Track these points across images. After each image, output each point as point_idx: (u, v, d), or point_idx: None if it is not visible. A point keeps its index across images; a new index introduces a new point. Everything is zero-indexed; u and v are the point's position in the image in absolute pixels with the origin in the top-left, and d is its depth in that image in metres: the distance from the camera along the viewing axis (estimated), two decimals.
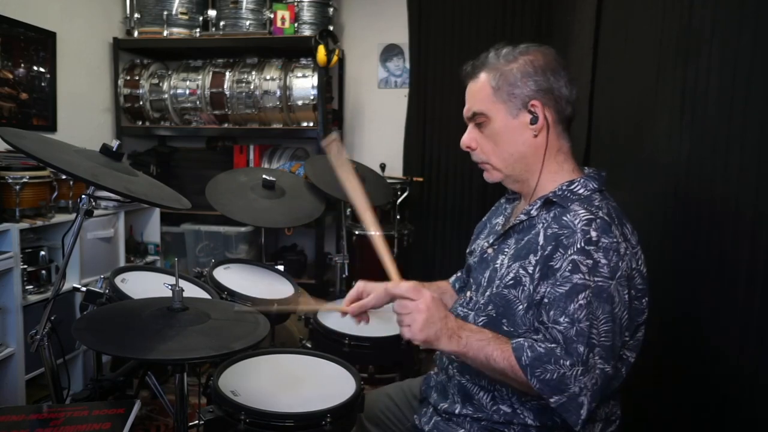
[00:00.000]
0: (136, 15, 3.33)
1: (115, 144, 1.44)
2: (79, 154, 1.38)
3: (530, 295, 1.11)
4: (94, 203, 1.44)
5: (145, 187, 1.45)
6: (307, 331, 1.93)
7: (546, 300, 1.07)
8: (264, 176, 2.12)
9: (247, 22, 3.26)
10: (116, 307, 1.35)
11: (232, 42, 3.28)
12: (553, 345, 1.04)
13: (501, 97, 1.17)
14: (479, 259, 1.30)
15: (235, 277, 1.96)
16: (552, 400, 1.03)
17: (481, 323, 1.18)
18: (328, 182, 2.28)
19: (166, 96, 3.35)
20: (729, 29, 1.25)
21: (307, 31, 3.25)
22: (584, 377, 1.02)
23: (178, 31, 3.32)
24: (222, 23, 3.29)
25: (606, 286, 1.04)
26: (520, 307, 1.12)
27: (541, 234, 1.13)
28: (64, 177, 2.36)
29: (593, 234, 1.05)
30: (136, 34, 3.36)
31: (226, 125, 3.39)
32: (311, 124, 3.25)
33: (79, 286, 1.61)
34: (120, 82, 3.37)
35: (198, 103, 3.32)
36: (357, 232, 3.06)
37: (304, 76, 3.19)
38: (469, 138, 1.24)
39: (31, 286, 2.27)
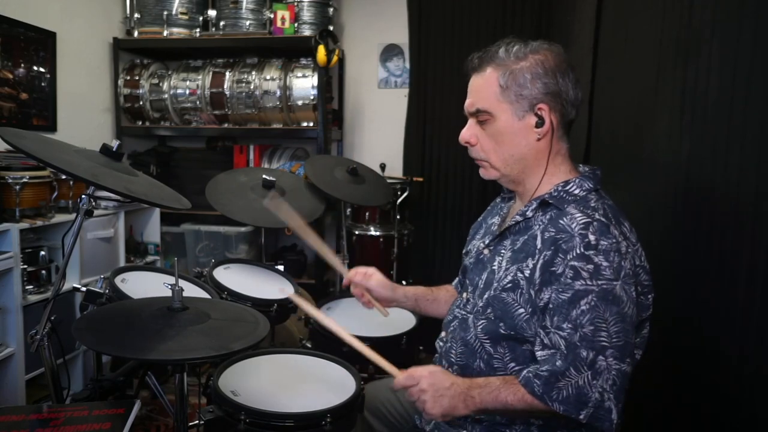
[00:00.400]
0: (136, 15, 3.33)
1: (115, 144, 1.44)
2: (79, 154, 1.38)
3: (531, 300, 1.11)
4: (94, 203, 1.44)
5: (145, 187, 1.45)
6: (307, 331, 1.94)
7: (551, 305, 1.07)
8: (264, 176, 2.12)
9: (247, 22, 3.26)
10: (116, 307, 1.35)
11: (232, 42, 3.28)
12: (552, 351, 1.05)
13: (508, 98, 1.15)
14: (475, 260, 1.30)
15: (235, 277, 1.96)
16: (581, 416, 1.02)
17: (480, 326, 1.19)
18: (328, 182, 2.28)
19: (166, 96, 3.35)
20: (729, 29, 1.25)
21: (307, 31, 3.25)
22: (597, 380, 1.01)
23: (178, 31, 3.32)
24: (222, 23, 3.29)
25: (610, 288, 1.03)
26: (521, 311, 1.12)
27: (539, 237, 1.13)
28: (64, 177, 2.36)
29: (591, 238, 1.05)
30: (136, 34, 3.35)
31: (226, 125, 3.39)
32: (311, 124, 3.25)
33: (79, 286, 1.61)
34: (120, 82, 3.36)
35: (198, 103, 3.32)
36: (357, 232, 3.06)
37: (304, 76, 3.19)
38: (469, 133, 1.22)
39: (31, 286, 2.27)
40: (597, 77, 2.20)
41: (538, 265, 1.10)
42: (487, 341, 1.17)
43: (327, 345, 1.70)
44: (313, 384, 1.42)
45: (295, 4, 3.25)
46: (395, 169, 3.49)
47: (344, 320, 1.86)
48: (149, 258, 3.06)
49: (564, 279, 1.05)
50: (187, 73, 3.35)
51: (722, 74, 1.27)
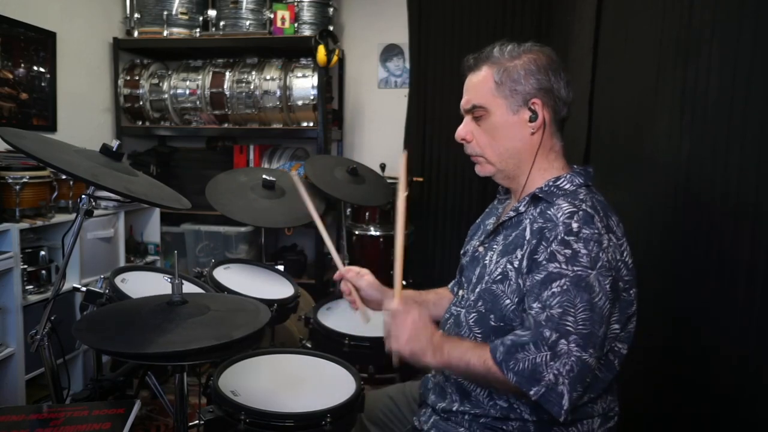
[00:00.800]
0: (136, 15, 3.33)
1: (115, 144, 1.44)
2: (79, 154, 1.38)
3: (519, 290, 1.12)
4: (94, 203, 1.44)
5: (145, 187, 1.45)
6: (307, 331, 1.94)
7: (526, 290, 1.10)
8: (264, 176, 2.12)
9: (247, 22, 3.26)
10: (116, 306, 1.35)
11: (232, 42, 3.28)
12: (525, 333, 1.06)
13: (503, 93, 1.19)
14: (471, 258, 1.32)
15: (235, 277, 1.96)
16: (531, 392, 1.03)
17: (471, 319, 1.20)
18: (328, 182, 2.28)
19: (166, 96, 3.35)
20: (729, 29, 1.25)
21: (307, 31, 3.25)
22: (555, 363, 1.02)
23: (178, 31, 3.32)
24: (222, 23, 3.29)
25: (585, 275, 1.04)
26: (507, 301, 1.14)
27: (528, 229, 1.15)
28: (64, 177, 2.36)
29: (574, 225, 1.07)
30: (136, 34, 3.35)
31: (226, 125, 3.39)
32: (311, 124, 3.25)
33: (79, 286, 1.61)
34: (120, 82, 3.36)
35: (198, 103, 3.32)
36: (357, 232, 3.06)
37: (304, 76, 3.19)
38: (465, 130, 1.25)
39: (31, 286, 2.27)
40: (597, 77, 2.20)
41: (525, 255, 1.12)
42: (479, 335, 1.18)
43: (327, 345, 1.71)
44: (313, 384, 1.42)
45: (295, 4, 3.25)
46: (395, 169, 3.49)
47: (344, 320, 1.86)
48: (149, 258, 3.06)
49: (540, 262, 1.08)
50: (187, 73, 3.35)
51: (722, 74, 1.27)
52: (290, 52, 3.35)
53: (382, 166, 3.22)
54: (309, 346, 1.87)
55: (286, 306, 1.88)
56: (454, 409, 1.21)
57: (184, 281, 1.45)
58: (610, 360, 1.14)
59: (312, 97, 3.17)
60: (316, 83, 3.14)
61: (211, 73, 3.31)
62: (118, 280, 1.64)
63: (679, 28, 1.49)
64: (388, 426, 1.42)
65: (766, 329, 1.10)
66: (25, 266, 2.23)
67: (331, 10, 3.34)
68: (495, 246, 1.23)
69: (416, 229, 3.27)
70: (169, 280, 1.16)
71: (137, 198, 1.33)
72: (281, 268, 2.14)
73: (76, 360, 2.51)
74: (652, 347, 1.26)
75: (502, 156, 1.22)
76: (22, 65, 2.69)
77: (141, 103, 3.37)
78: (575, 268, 1.04)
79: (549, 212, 1.12)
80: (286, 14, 3.22)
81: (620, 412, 1.21)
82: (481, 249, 1.29)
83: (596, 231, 1.07)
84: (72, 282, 2.28)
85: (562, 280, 1.04)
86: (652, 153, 1.65)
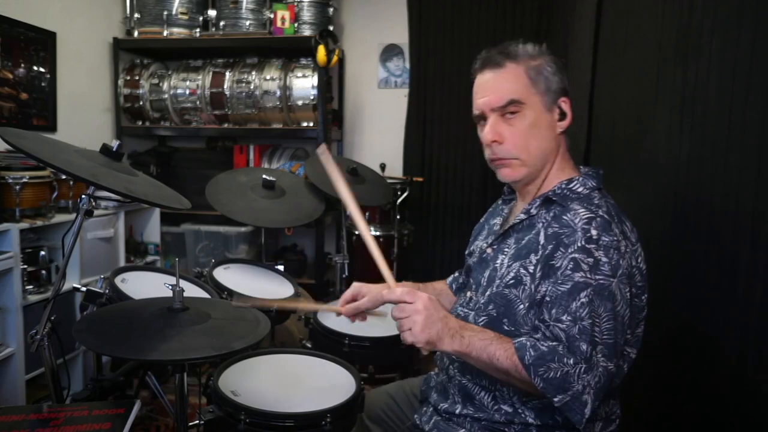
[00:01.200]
0: (136, 15, 3.33)
1: (115, 144, 1.44)
2: (79, 154, 1.38)
3: (531, 295, 1.11)
4: (94, 203, 1.44)
5: (145, 187, 1.45)
6: (307, 331, 1.93)
7: (548, 298, 1.07)
8: (264, 176, 2.12)
9: (247, 22, 3.26)
10: (116, 308, 1.35)
11: (232, 42, 3.28)
12: (554, 343, 1.04)
13: (539, 89, 1.16)
14: (478, 259, 1.30)
15: (235, 277, 1.96)
16: (556, 399, 1.02)
17: (481, 323, 1.18)
18: (328, 182, 2.27)
19: (166, 96, 3.35)
20: (729, 29, 1.25)
21: (307, 31, 3.25)
22: (587, 375, 1.01)
23: (178, 31, 3.32)
24: (222, 23, 3.29)
25: (607, 284, 1.04)
26: (521, 306, 1.12)
27: (542, 233, 1.13)
28: (64, 177, 2.36)
29: (594, 232, 1.05)
30: (136, 34, 3.35)
31: (226, 125, 3.39)
32: (311, 124, 3.25)
33: (79, 286, 1.61)
34: (120, 82, 3.37)
35: (198, 103, 3.32)
36: (357, 232, 3.06)
37: (304, 76, 3.19)
38: (495, 131, 1.17)
39: (31, 286, 2.27)
40: (597, 77, 2.20)
41: (540, 260, 1.10)
42: None
43: (327, 345, 1.70)
44: (313, 384, 1.42)
45: (295, 4, 3.25)
46: (395, 169, 3.49)
47: (344, 320, 1.85)
48: (149, 258, 3.06)
49: (564, 271, 1.05)
50: (187, 73, 3.35)
51: (722, 74, 1.27)
52: (290, 52, 3.35)
53: (382, 166, 3.22)
54: (309, 346, 1.87)
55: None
56: (457, 411, 1.21)
57: (184, 282, 1.45)
58: (620, 365, 1.12)
59: (312, 97, 3.17)
60: (316, 83, 3.14)
61: (211, 73, 3.31)
62: (118, 280, 1.64)
63: (679, 28, 1.49)
64: (388, 424, 1.42)
65: (766, 329, 1.10)
66: (25, 266, 2.23)
67: (331, 10, 3.34)
68: (506, 249, 1.21)
69: (416, 229, 3.27)
70: (170, 287, 1.16)
71: (137, 198, 1.33)
72: (281, 268, 2.13)
73: (76, 360, 2.51)
74: (652, 348, 1.25)
75: (536, 157, 1.18)
76: (22, 65, 2.69)
77: (141, 103, 3.37)
78: (597, 277, 1.03)
79: (565, 217, 1.10)
80: (286, 14, 3.22)
81: (621, 414, 1.21)
82: (489, 251, 1.26)
83: (615, 238, 1.06)
84: (72, 282, 2.28)
85: (588, 290, 1.03)
86: (652, 153, 1.65)
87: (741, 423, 1.18)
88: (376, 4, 3.60)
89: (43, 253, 2.31)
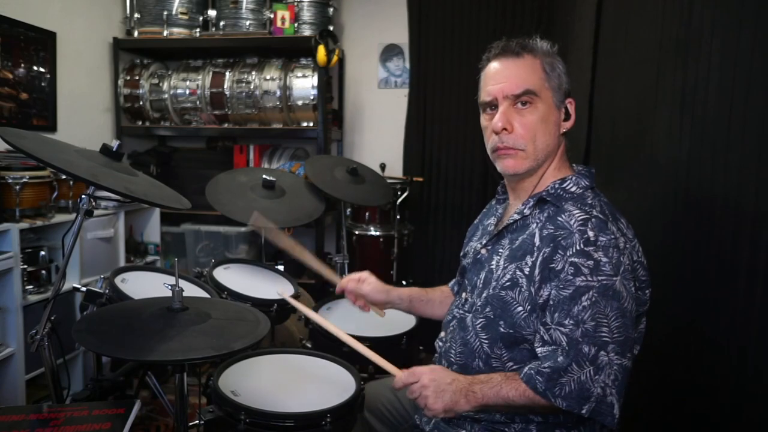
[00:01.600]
0: (136, 15, 3.33)
1: (115, 144, 1.44)
2: (79, 154, 1.38)
3: (531, 298, 1.11)
4: (94, 203, 1.44)
5: (145, 187, 1.45)
6: (307, 331, 1.93)
7: (551, 302, 1.08)
8: (264, 176, 2.12)
9: (247, 22, 3.26)
10: (116, 308, 1.35)
11: (232, 42, 3.28)
12: (553, 347, 1.05)
13: (552, 84, 1.17)
14: (473, 260, 1.30)
15: (235, 277, 1.96)
16: (583, 410, 1.02)
17: (479, 325, 1.19)
18: (328, 182, 2.28)
19: (166, 96, 3.35)
20: (729, 29, 1.25)
21: (307, 31, 3.25)
22: (600, 376, 1.02)
23: (178, 31, 3.32)
24: (222, 23, 3.29)
25: (611, 283, 1.04)
26: (519, 308, 1.12)
27: (537, 235, 1.13)
28: (64, 177, 2.36)
29: (591, 234, 1.05)
30: (136, 34, 3.35)
31: (226, 125, 3.39)
32: (311, 124, 3.24)
33: (79, 286, 1.61)
34: (120, 82, 3.36)
35: (198, 103, 3.32)
36: (357, 232, 3.06)
37: (304, 76, 3.19)
38: (504, 119, 1.15)
39: (31, 286, 2.27)
40: (597, 77, 2.20)
41: (537, 262, 1.10)
42: (486, 340, 1.17)
43: (327, 345, 1.70)
44: (313, 384, 1.42)
45: (295, 4, 3.25)
46: (395, 169, 3.49)
47: (344, 321, 1.86)
48: (149, 258, 3.06)
49: (564, 275, 1.06)
50: (187, 73, 3.35)
51: (722, 74, 1.27)
52: (290, 52, 3.35)
53: (382, 166, 3.22)
54: (309, 346, 1.87)
55: (286, 306, 1.88)
56: None
57: (184, 282, 1.45)
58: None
59: (312, 97, 3.17)
60: (316, 83, 3.14)
61: (211, 73, 3.31)
62: (118, 280, 1.64)
63: (679, 28, 1.49)
64: (389, 419, 1.42)
65: (766, 329, 1.10)
66: (25, 266, 2.23)
67: (331, 10, 3.34)
68: (500, 250, 1.21)
69: (416, 229, 3.27)
70: (169, 287, 1.16)
71: (137, 198, 1.33)
72: (281, 268, 2.14)
73: (76, 360, 2.51)
74: (652, 348, 1.25)
75: (541, 151, 1.17)
76: (22, 65, 2.69)
77: (141, 103, 3.37)
78: (600, 278, 1.03)
79: (560, 219, 1.10)
80: (286, 14, 3.22)
81: (621, 414, 1.21)
82: (483, 251, 1.27)
83: (612, 236, 1.06)
84: (72, 282, 2.29)
85: (590, 293, 1.03)
86: (652, 153, 1.65)
87: (741, 423, 1.18)
88: (376, 4, 3.60)
89: (43, 253, 2.31)
